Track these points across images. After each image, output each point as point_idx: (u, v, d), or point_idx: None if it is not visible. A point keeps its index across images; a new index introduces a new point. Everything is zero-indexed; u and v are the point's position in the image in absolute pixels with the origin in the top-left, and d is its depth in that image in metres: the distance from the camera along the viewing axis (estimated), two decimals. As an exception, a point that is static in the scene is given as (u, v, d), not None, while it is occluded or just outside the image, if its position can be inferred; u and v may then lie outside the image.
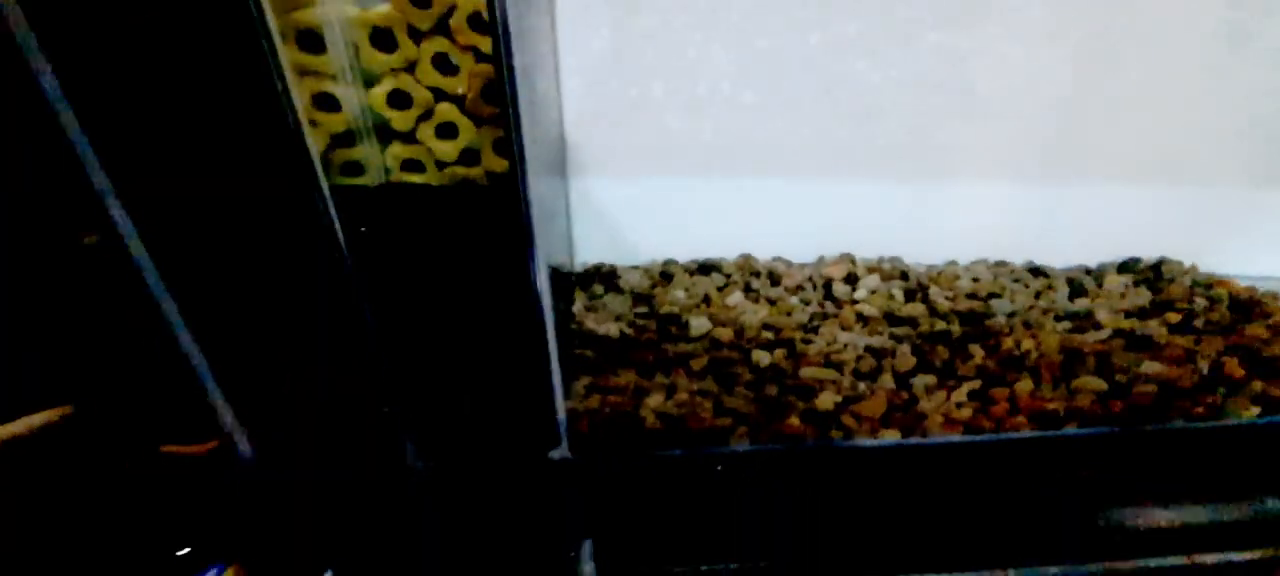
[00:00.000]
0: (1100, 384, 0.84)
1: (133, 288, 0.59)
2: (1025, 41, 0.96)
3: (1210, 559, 0.89)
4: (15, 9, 0.44)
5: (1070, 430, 0.82)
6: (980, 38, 0.96)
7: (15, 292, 0.63)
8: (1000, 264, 1.12)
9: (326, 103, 0.65)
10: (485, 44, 0.66)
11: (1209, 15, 0.96)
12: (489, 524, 0.83)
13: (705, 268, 1.06)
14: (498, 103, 0.67)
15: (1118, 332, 0.91)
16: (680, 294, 0.99)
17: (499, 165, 0.72)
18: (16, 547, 0.68)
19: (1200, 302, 0.98)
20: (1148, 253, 1.12)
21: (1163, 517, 0.91)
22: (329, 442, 0.75)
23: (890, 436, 0.80)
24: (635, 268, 1.07)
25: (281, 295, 0.64)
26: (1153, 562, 0.88)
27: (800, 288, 1.03)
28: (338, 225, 0.62)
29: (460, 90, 0.68)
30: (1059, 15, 0.94)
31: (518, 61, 0.56)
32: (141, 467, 0.70)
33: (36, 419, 0.67)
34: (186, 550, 0.74)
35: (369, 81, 0.67)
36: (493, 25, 0.54)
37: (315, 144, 0.64)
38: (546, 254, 0.69)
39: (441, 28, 0.65)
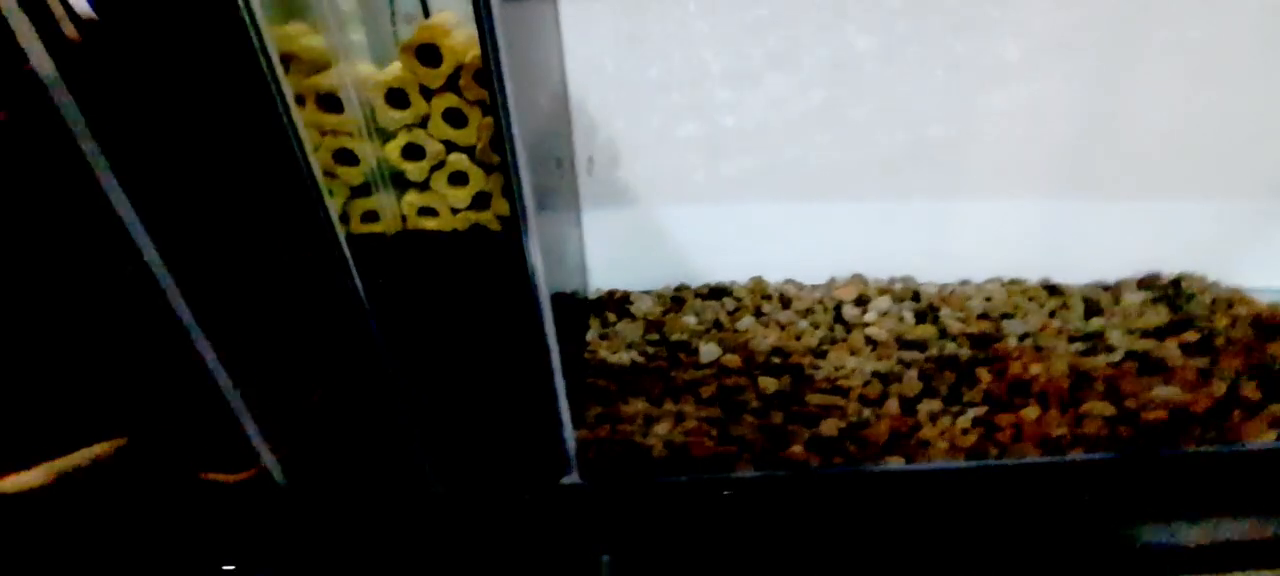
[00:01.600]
0: (1108, 409, 0.83)
1: (176, 333, 0.65)
2: (1040, 53, 0.96)
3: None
4: (71, 105, 0.50)
5: (1074, 455, 0.83)
6: (993, 51, 0.96)
7: (74, 335, 0.69)
8: (1015, 282, 1.11)
9: (346, 157, 0.70)
10: (492, 97, 0.71)
11: (1227, 24, 0.94)
12: (505, 547, 0.87)
13: (717, 292, 1.09)
14: (500, 152, 0.72)
15: (1130, 355, 0.91)
16: (691, 320, 1.02)
17: (508, 208, 0.76)
18: (77, 568, 0.74)
19: (1220, 320, 0.97)
20: (1168, 268, 1.10)
21: (1177, 539, 0.89)
22: (357, 470, 0.80)
23: (894, 463, 0.81)
24: (648, 293, 1.10)
25: (308, 336, 0.69)
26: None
27: (810, 310, 1.04)
28: (355, 273, 0.66)
29: (470, 141, 0.72)
30: (1073, 25, 0.94)
31: (518, 119, 0.59)
32: (187, 491, 0.76)
33: (96, 449, 0.73)
34: (230, 569, 0.80)
35: (385, 136, 0.71)
36: (488, 80, 0.58)
37: (336, 196, 0.69)
38: (556, 288, 0.73)
39: (451, 84, 0.70)
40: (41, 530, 0.73)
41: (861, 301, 1.06)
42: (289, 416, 0.74)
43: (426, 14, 0.82)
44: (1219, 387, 0.86)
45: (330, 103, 0.67)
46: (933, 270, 1.13)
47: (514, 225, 0.68)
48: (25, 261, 0.62)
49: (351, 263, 0.64)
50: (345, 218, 0.72)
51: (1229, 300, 1.01)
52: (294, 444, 0.76)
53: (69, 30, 0.52)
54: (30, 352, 0.68)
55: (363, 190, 0.72)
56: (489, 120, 0.71)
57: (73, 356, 0.69)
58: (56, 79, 0.51)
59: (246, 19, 0.49)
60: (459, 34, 0.71)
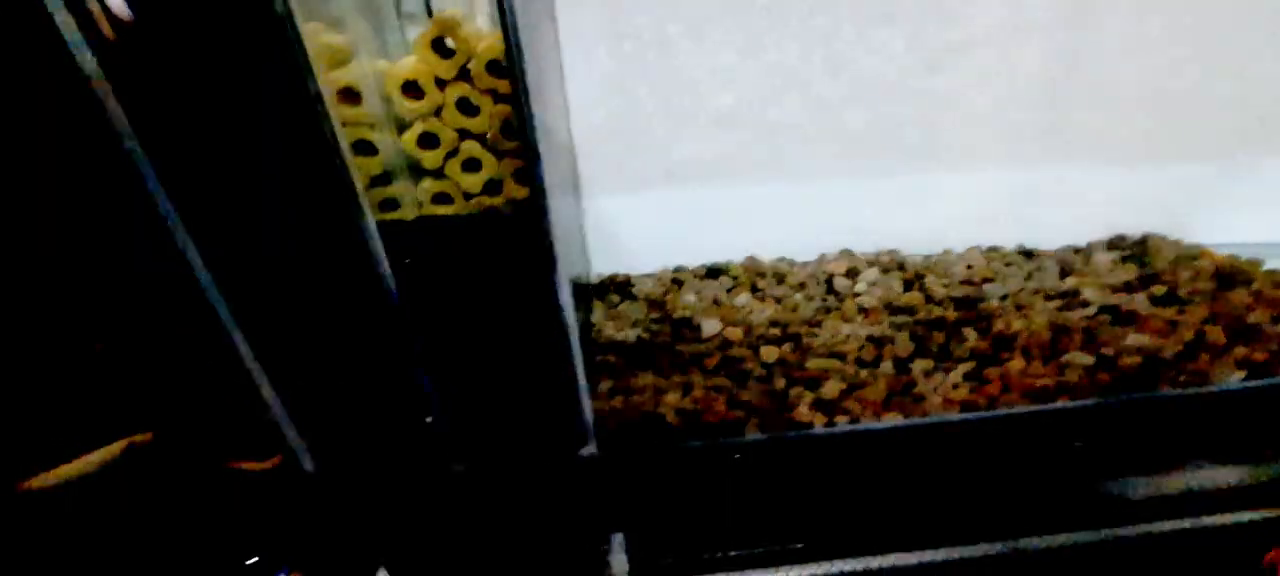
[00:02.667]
0: (1088, 358, 0.89)
1: (206, 321, 0.67)
2: (1007, 27, 1.02)
3: (1216, 520, 0.94)
4: (117, 108, 0.52)
5: (1060, 403, 0.88)
6: (964, 28, 1.02)
7: (102, 330, 0.71)
8: (993, 249, 1.18)
9: (365, 148, 0.73)
10: (502, 86, 0.74)
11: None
12: (526, 520, 0.90)
13: (713, 272, 1.13)
14: (518, 138, 0.75)
15: (1104, 308, 0.97)
16: (691, 298, 1.06)
17: (519, 192, 0.79)
18: (107, 562, 0.76)
19: (1184, 274, 1.03)
20: (1134, 228, 1.17)
21: (1166, 483, 0.96)
22: (381, 452, 0.83)
23: (892, 419, 0.86)
24: (648, 276, 1.14)
25: (335, 321, 0.72)
26: (1158, 526, 0.93)
27: (804, 285, 1.09)
28: (383, 256, 0.69)
29: (482, 129, 0.76)
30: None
31: (538, 105, 0.63)
32: (216, 482, 0.78)
33: (123, 443, 0.75)
34: (255, 559, 0.82)
35: (401, 127, 0.74)
36: (511, 74, 0.61)
37: (359, 185, 0.72)
38: (567, 271, 0.76)
39: (463, 75, 0.73)
40: (69, 526, 0.75)
41: (851, 274, 1.11)
42: (316, 402, 0.77)
43: (429, 12, 0.85)
44: (1187, 333, 0.92)
45: (349, 96, 0.70)
46: (916, 241, 1.19)
47: (530, 207, 0.71)
48: (57, 255, 0.64)
49: (382, 248, 0.67)
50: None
51: (1191, 255, 1.09)
52: (321, 429, 0.79)
53: (106, 29, 0.55)
54: (58, 348, 0.70)
55: (381, 180, 0.75)
56: (500, 108, 0.75)
57: (103, 350, 0.71)
58: (98, 73, 0.53)
59: (284, 16, 0.52)
60: (467, 27, 0.74)
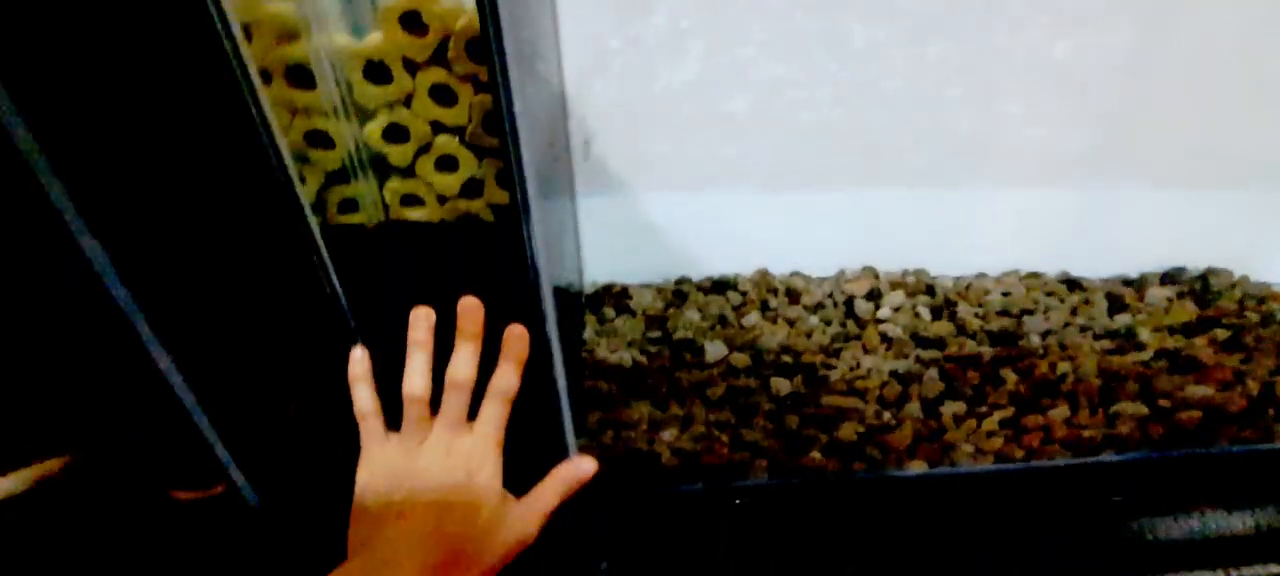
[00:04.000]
0: (1141, 409, 0.79)
1: (125, 339, 0.57)
2: (1056, 30, 0.90)
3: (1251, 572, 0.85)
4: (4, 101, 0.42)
5: (1107, 456, 0.78)
6: (1006, 27, 0.90)
7: (16, 345, 0.62)
8: (1033, 276, 1.07)
9: (320, 140, 0.62)
10: (484, 71, 0.63)
11: (1259, 9, 0.89)
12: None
13: (720, 286, 1.03)
14: (498, 133, 0.64)
15: (1161, 353, 0.86)
16: (694, 315, 0.96)
17: (502, 197, 0.69)
18: (22, 597, 0.67)
19: (1251, 316, 0.92)
20: (1194, 261, 1.06)
21: (1207, 530, 0.86)
22: (336, 484, 0.73)
23: (917, 468, 0.76)
24: (648, 286, 1.04)
25: (276, 339, 0.62)
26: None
27: (820, 305, 0.99)
28: (330, 267, 0.59)
29: (460, 122, 0.65)
30: (1105, 8, 0.88)
31: (517, 88, 0.53)
32: (146, 513, 0.69)
33: (34, 470, 0.65)
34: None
35: (364, 116, 0.64)
36: (487, 51, 0.51)
37: (309, 183, 0.62)
38: (555, 283, 0.66)
39: (438, 57, 0.62)
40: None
41: (873, 296, 1.00)
42: (259, 429, 0.67)
43: (408, -19, 0.74)
44: (1253, 386, 0.81)
45: (301, 76, 0.59)
46: (945, 262, 1.08)
47: (511, 215, 0.61)
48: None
49: (327, 256, 0.57)
50: (320, 207, 0.64)
51: (1259, 296, 0.97)
52: (266, 458, 0.69)
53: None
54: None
55: (339, 177, 0.64)
56: (481, 98, 0.64)
57: (17, 368, 0.62)
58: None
59: (197, -27, 0.42)
60: (445, 2, 0.63)
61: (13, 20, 0.43)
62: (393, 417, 0.55)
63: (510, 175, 0.58)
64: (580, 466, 0.53)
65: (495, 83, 0.51)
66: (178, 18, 0.44)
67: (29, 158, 0.47)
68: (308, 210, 0.55)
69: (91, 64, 0.46)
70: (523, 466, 0.75)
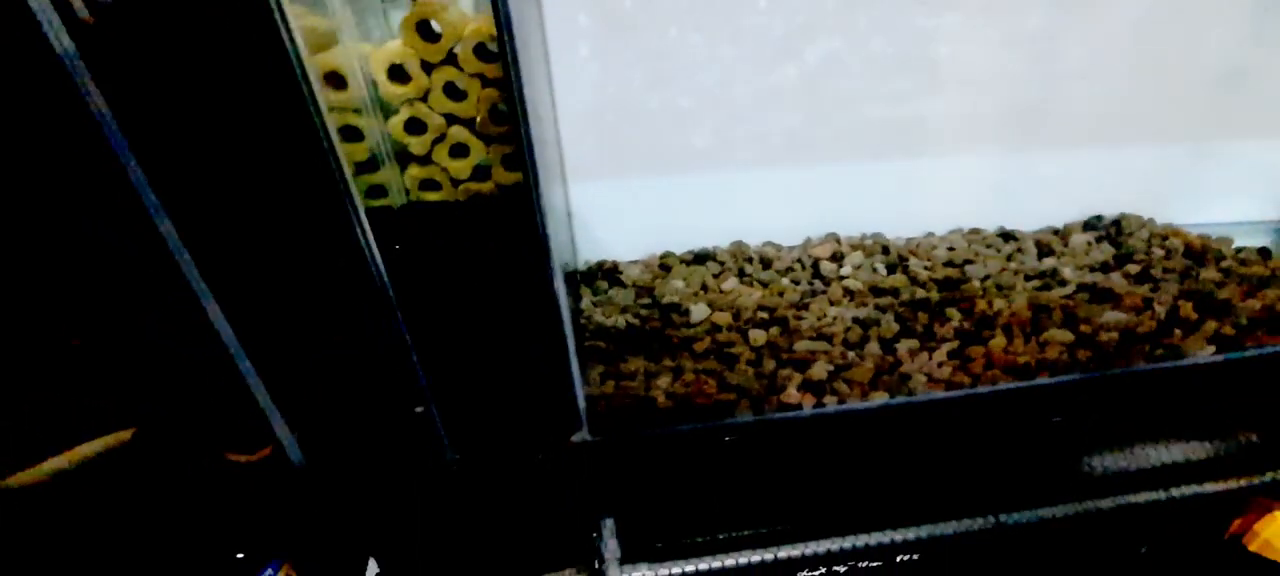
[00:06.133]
0: (1067, 335, 0.92)
1: (190, 312, 0.66)
2: (987, 15, 1.03)
3: (1186, 491, 0.98)
4: (96, 93, 0.51)
5: (1042, 379, 0.90)
6: (944, 15, 1.03)
7: (80, 324, 0.70)
8: (974, 231, 1.20)
9: (351, 134, 0.72)
10: (489, 70, 0.73)
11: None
12: (518, 508, 0.90)
13: (701, 257, 1.14)
14: (507, 122, 0.75)
15: (1082, 287, 0.99)
16: (679, 283, 1.07)
17: (508, 178, 0.79)
18: (95, 558, 0.74)
19: (1157, 253, 1.06)
20: (1109, 209, 1.20)
21: (1139, 456, 0.99)
22: (371, 443, 0.82)
23: (879, 398, 0.88)
24: (635, 261, 1.14)
25: (324, 311, 0.71)
26: (1133, 498, 0.96)
27: (790, 269, 1.10)
28: (372, 244, 0.68)
29: (470, 114, 0.75)
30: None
31: (528, 89, 0.62)
32: (204, 476, 0.77)
33: (104, 441, 0.73)
34: (242, 554, 0.81)
35: (387, 112, 0.73)
36: (502, 56, 0.61)
37: (348, 171, 0.71)
38: (559, 256, 0.76)
39: (450, 59, 0.72)
40: (54, 523, 0.73)
41: (837, 258, 1.12)
42: (305, 392, 0.76)
43: (411, -5, 0.84)
44: (1161, 310, 0.95)
45: (335, 80, 0.69)
46: (899, 225, 1.21)
47: (521, 192, 0.71)
48: (37, 247, 0.62)
49: (372, 236, 0.66)
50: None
51: (1164, 234, 1.12)
52: (310, 420, 0.78)
53: (83, 11, 0.53)
54: (41, 341, 0.68)
55: (367, 166, 0.74)
56: (488, 93, 0.74)
57: (80, 345, 0.70)
58: (76, 56, 0.51)
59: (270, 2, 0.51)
60: (453, 10, 0.73)
61: (112, 40, 0.52)
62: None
63: (520, 157, 0.68)
64: None
65: (507, 79, 0.61)
66: (252, 35, 0.53)
67: (120, 152, 0.56)
68: (355, 194, 0.64)
69: (180, 76, 0.55)
70: (536, 415, 0.85)
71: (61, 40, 0.51)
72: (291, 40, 0.54)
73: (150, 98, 0.55)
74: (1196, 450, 1.01)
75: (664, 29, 0.99)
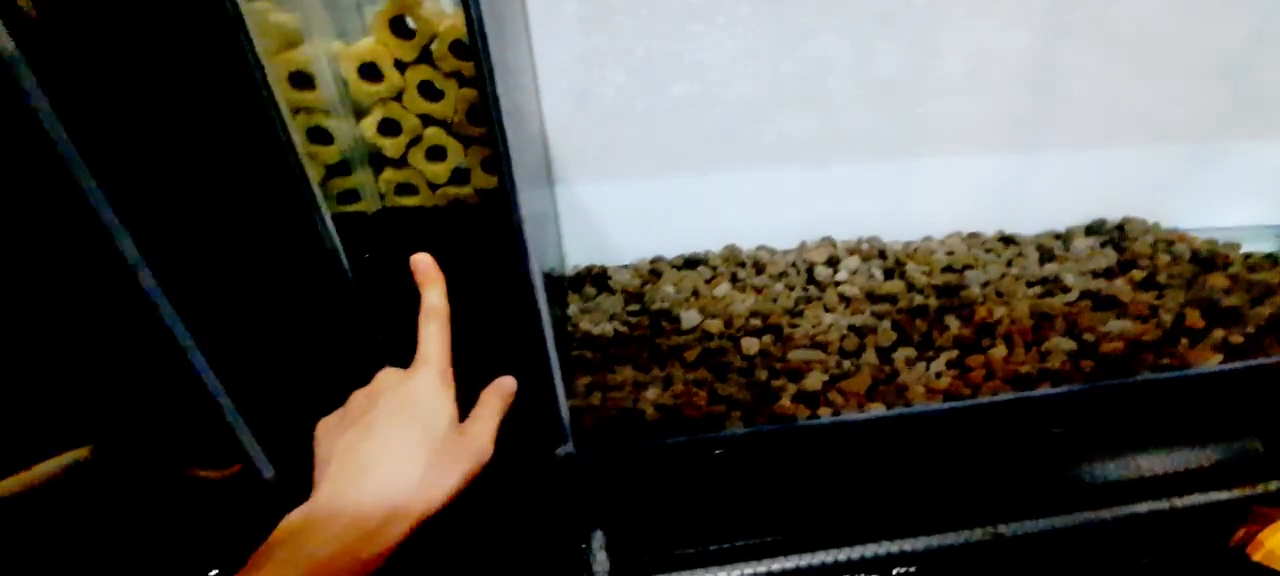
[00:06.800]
0: (1070, 344, 0.88)
1: (151, 324, 0.62)
2: (987, 16, 1.00)
3: (1189, 500, 0.95)
4: (38, 93, 0.47)
5: (1044, 390, 0.87)
6: (943, 15, 1.00)
7: (33, 340, 0.66)
8: (973, 235, 1.17)
9: (320, 136, 0.68)
10: (467, 68, 0.70)
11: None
12: (502, 521, 0.87)
13: (692, 262, 1.10)
14: (484, 122, 0.71)
15: (1085, 294, 0.96)
16: (670, 289, 1.03)
17: (488, 182, 0.76)
18: (54, 581, 0.71)
19: (1162, 258, 1.03)
20: (1112, 213, 1.17)
21: (1142, 465, 0.96)
22: (345, 458, 0.79)
23: (875, 409, 0.84)
24: (625, 267, 1.11)
25: (293, 320, 0.68)
26: (1135, 509, 0.93)
27: (784, 274, 1.07)
28: (341, 252, 0.65)
29: (447, 114, 0.71)
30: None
31: (501, 82, 0.59)
32: (169, 493, 0.74)
33: (60, 460, 0.70)
34: (216, 572, 0.78)
35: (359, 113, 0.70)
36: (474, 50, 0.57)
37: (314, 176, 0.67)
38: (540, 262, 0.73)
39: (425, 56, 0.69)
40: (15, 541, 0.70)
41: (832, 262, 1.09)
42: (275, 405, 0.72)
43: (388, -10, 0.80)
44: (1166, 318, 0.92)
45: (301, 80, 0.65)
46: (896, 229, 1.17)
47: (500, 198, 0.67)
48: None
49: (340, 243, 0.63)
50: (322, 197, 0.70)
51: (1169, 240, 1.08)
52: (281, 433, 0.74)
53: (25, 4, 0.49)
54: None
55: (339, 169, 0.70)
56: (466, 92, 0.71)
57: (43, 357, 0.66)
58: (16, 54, 0.48)
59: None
60: (428, 6, 0.70)
61: (65, 35, 0.49)
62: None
63: (496, 161, 0.64)
64: (504, 384, 0.58)
65: (480, 76, 0.57)
66: (206, 32, 0.50)
67: (65, 153, 0.52)
68: (320, 199, 0.61)
69: (129, 77, 0.51)
70: (519, 428, 0.81)
71: (2, 38, 0.48)
72: (246, 35, 0.51)
73: (98, 98, 0.52)
74: (1200, 459, 0.98)
75: (655, 28, 0.96)
